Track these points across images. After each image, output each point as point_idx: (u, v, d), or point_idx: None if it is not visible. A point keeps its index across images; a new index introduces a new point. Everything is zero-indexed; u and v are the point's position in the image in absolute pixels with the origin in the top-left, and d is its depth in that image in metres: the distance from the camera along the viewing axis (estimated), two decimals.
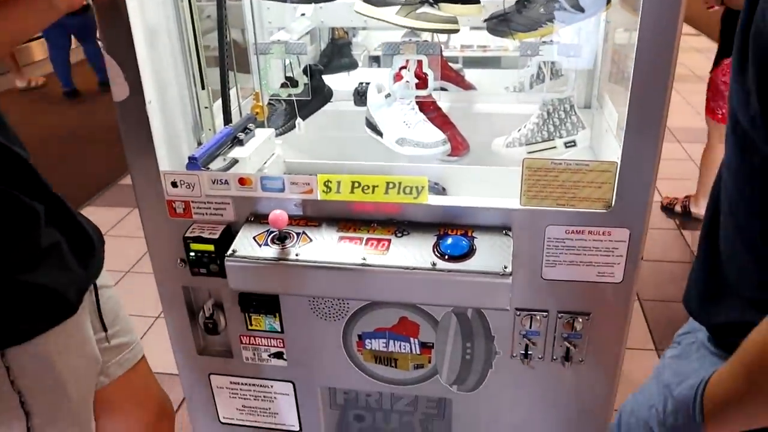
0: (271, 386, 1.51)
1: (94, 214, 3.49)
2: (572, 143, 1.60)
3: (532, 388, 1.40)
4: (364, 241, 1.26)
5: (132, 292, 2.25)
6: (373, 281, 1.23)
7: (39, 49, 6.72)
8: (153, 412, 1.38)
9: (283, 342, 1.45)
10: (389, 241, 1.26)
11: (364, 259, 1.22)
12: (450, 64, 2.05)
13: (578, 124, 1.60)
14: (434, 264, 1.20)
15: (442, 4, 1.55)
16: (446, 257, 1.21)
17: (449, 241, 1.24)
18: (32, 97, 6.11)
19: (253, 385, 1.52)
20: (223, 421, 1.59)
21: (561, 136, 1.61)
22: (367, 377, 1.45)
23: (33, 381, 1.06)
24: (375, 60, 2.29)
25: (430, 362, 1.41)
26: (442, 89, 1.93)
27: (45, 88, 6.30)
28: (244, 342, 1.46)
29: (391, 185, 1.28)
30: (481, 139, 1.72)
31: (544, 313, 1.31)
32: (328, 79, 1.85)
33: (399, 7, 1.53)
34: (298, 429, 1.56)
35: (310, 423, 1.55)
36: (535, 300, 1.31)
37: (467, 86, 2.00)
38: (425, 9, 1.53)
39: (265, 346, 1.46)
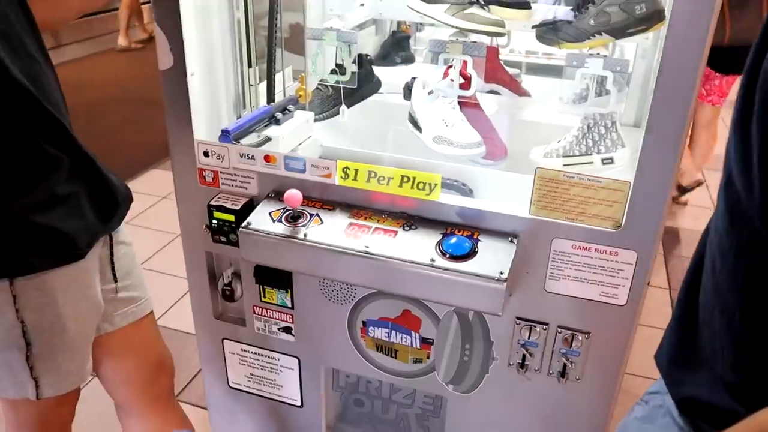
0: (278, 359, 1.56)
1: (158, 176, 3.68)
2: (609, 160, 1.56)
3: (525, 399, 1.39)
4: (371, 230, 1.29)
5: (179, 254, 2.36)
6: (373, 269, 1.25)
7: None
8: (152, 366, 1.46)
9: (292, 318, 1.50)
10: (396, 232, 1.28)
11: (367, 246, 1.25)
12: (508, 68, 2.03)
13: (618, 142, 1.56)
14: (433, 260, 1.22)
15: (492, 7, 1.55)
16: (447, 256, 1.22)
17: (453, 240, 1.25)
18: (130, 58, 6.40)
19: (262, 355, 1.58)
20: (231, 385, 1.66)
21: (599, 152, 1.58)
22: (367, 363, 1.48)
23: (35, 313, 1.16)
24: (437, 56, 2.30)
25: (428, 358, 1.43)
26: (495, 92, 1.92)
27: (143, 51, 6.59)
28: (256, 312, 1.52)
29: (405, 179, 1.30)
30: (523, 147, 1.71)
31: (544, 326, 1.30)
32: (387, 71, 1.88)
33: (448, 5, 1.54)
34: (299, 404, 1.61)
35: (311, 400, 1.60)
36: (536, 311, 1.30)
37: (522, 92, 1.99)
38: (473, 10, 1.53)
39: (275, 319, 1.51)
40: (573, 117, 1.69)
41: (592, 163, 1.58)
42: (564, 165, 1.59)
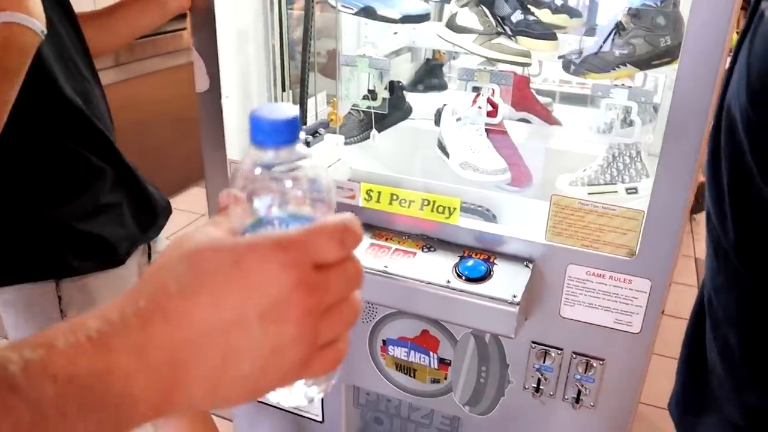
0: None
1: (199, 194, 3.80)
2: (633, 190, 1.58)
3: (540, 424, 1.40)
4: (391, 251, 1.33)
5: None
6: (391, 289, 1.29)
7: None
8: None
9: None
10: (414, 254, 1.32)
11: (386, 267, 1.29)
12: (541, 97, 2.06)
13: (642, 172, 1.57)
14: (449, 282, 1.25)
15: (519, 37, 1.59)
16: (463, 278, 1.25)
17: (469, 263, 1.28)
18: (178, 79, 6.56)
19: None
20: None
21: (623, 181, 1.59)
22: (386, 382, 1.51)
23: (78, 313, 1.24)
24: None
25: (446, 378, 1.45)
26: (526, 121, 1.95)
27: (189, 73, 6.76)
28: None
29: (426, 202, 1.34)
30: (551, 175, 1.73)
31: (559, 351, 1.32)
32: (420, 97, 1.94)
33: (476, 35, 1.59)
34: (320, 419, 1.65)
35: (332, 416, 1.63)
36: (551, 336, 1.32)
37: (553, 121, 2.01)
38: (501, 40, 1.57)
39: None
40: (600, 146, 1.71)
41: (616, 192, 1.59)
42: (589, 194, 1.61)
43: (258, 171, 0.45)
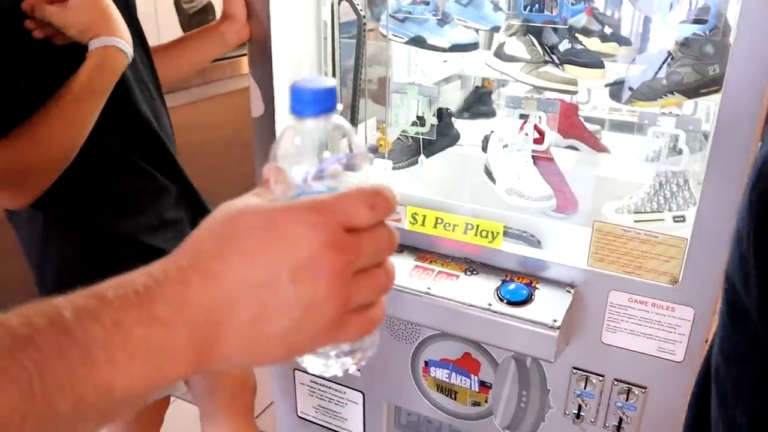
0: (344, 392, 1.64)
1: None
2: (681, 218, 1.57)
3: None
4: (435, 273, 1.36)
5: None
6: (433, 310, 1.31)
7: None
8: (236, 381, 1.58)
9: None
10: (457, 276, 1.35)
11: (429, 288, 1.32)
12: (590, 124, 2.07)
13: (690, 200, 1.56)
14: (490, 305, 1.27)
15: (566, 65, 1.61)
16: (504, 301, 1.27)
17: (511, 287, 1.29)
18: (234, 104, 6.80)
19: (329, 387, 1.66)
20: (299, 415, 1.74)
21: (671, 210, 1.58)
22: (428, 403, 1.53)
23: None
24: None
25: (486, 402, 1.46)
26: (573, 148, 1.96)
27: (246, 100, 6.97)
28: None
29: (469, 226, 1.37)
30: (598, 202, 1.73)
31: (600, 377, 1.32)
32: (468, 124, 1.97)
33: (524, 64, 1.62)
34: None
35: None
36: (593, 362, 1.32)
37: (601, 148, 2.01)
38: (548, 68, 1.60)
39: None
40: (648, 174, 1.70)
41: (663, 220, 1.59)
42: (635, 221, 1.61)
43: (298, 142, 0.47)
